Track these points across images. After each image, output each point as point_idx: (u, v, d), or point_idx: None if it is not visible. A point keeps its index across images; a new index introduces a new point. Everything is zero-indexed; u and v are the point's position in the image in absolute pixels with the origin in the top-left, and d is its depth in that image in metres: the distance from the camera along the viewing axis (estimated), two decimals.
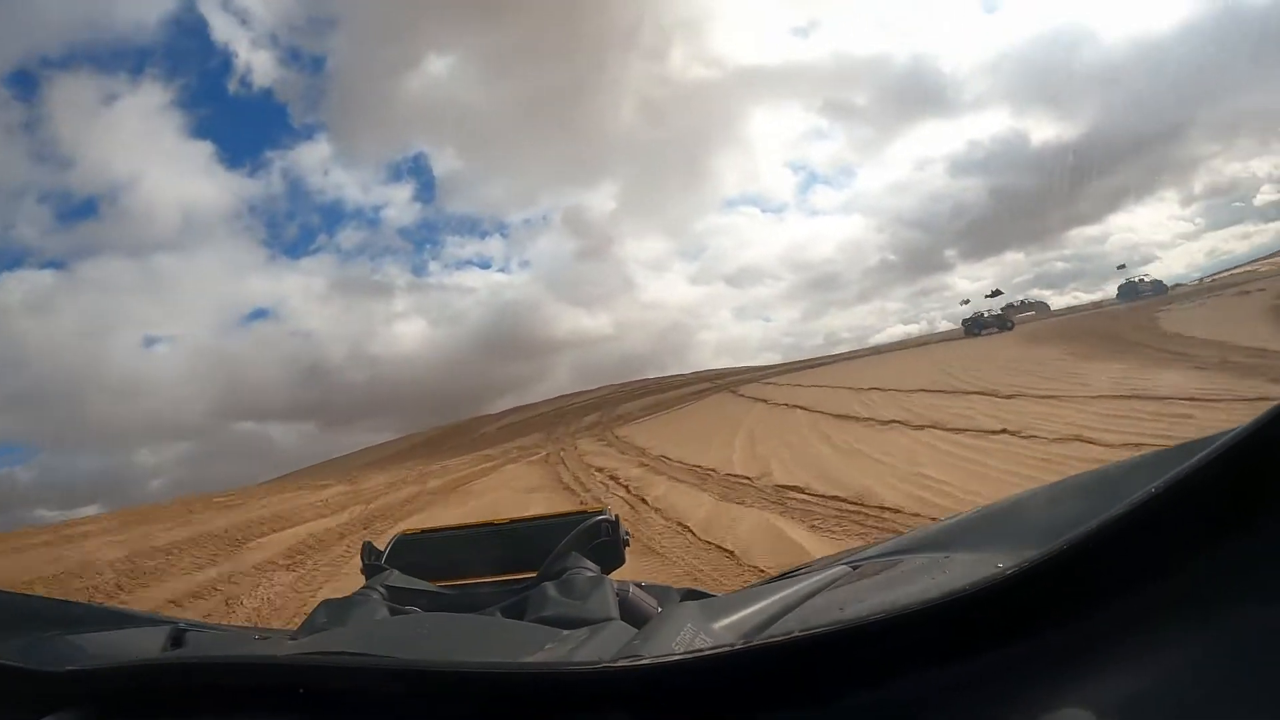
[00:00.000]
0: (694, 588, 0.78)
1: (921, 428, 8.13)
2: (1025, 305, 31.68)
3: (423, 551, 0.92)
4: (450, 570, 0.88)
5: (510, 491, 10.53)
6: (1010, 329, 28.64)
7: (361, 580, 0.80)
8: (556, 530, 0.82)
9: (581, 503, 7.56)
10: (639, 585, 0.72)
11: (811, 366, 37.99)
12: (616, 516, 0.86)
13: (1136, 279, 32.09)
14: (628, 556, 0.83)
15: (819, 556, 0.94)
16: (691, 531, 5.55)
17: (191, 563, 7.07)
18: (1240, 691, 0.28)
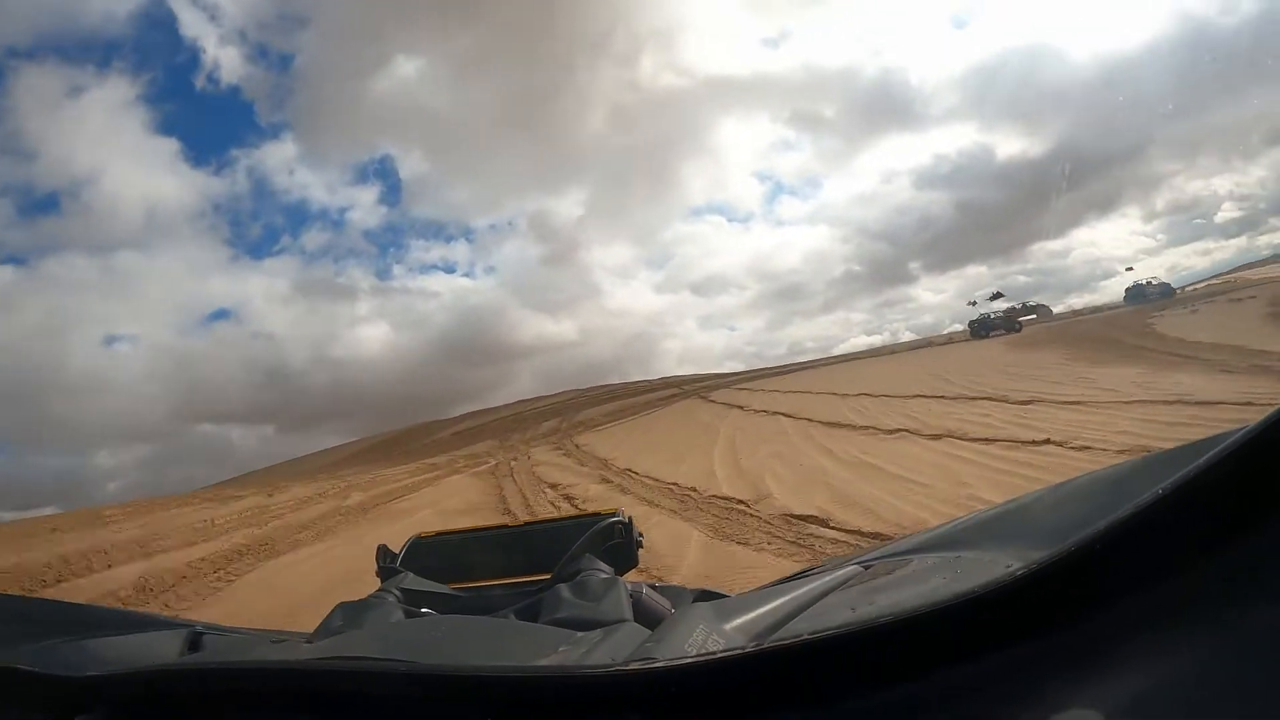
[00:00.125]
0: (706, 588, 0.78)
1: (937, 437, 7.21)
2: (1027, 309, 30.95)
3: (437, 554, 0.93)
4: (464, 573, 0.88)
5: (437, 513, 8.64)
6: (1019, 330, 27.96)
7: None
8: (570, 532, 0.84)
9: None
10: (652, 587, 0.73)
11: (781, 373, 36.86)
12: (630, 518, 0.87)
13: (1144, 281, 31.95)
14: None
15: (831, 557, 0.99)
16: None
17: None
18: (1249, 692, 0.28)
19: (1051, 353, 15.50)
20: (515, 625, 0.62)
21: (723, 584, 3.89)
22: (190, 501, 14.10)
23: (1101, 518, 0.33)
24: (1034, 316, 29.88)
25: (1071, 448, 5.47)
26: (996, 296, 33.57)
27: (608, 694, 0.36)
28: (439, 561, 0.90)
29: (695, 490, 6.79)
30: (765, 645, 0.36)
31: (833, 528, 4.46)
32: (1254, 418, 0.31)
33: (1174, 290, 30.62)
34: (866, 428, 9.10)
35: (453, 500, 9.81)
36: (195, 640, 0.67)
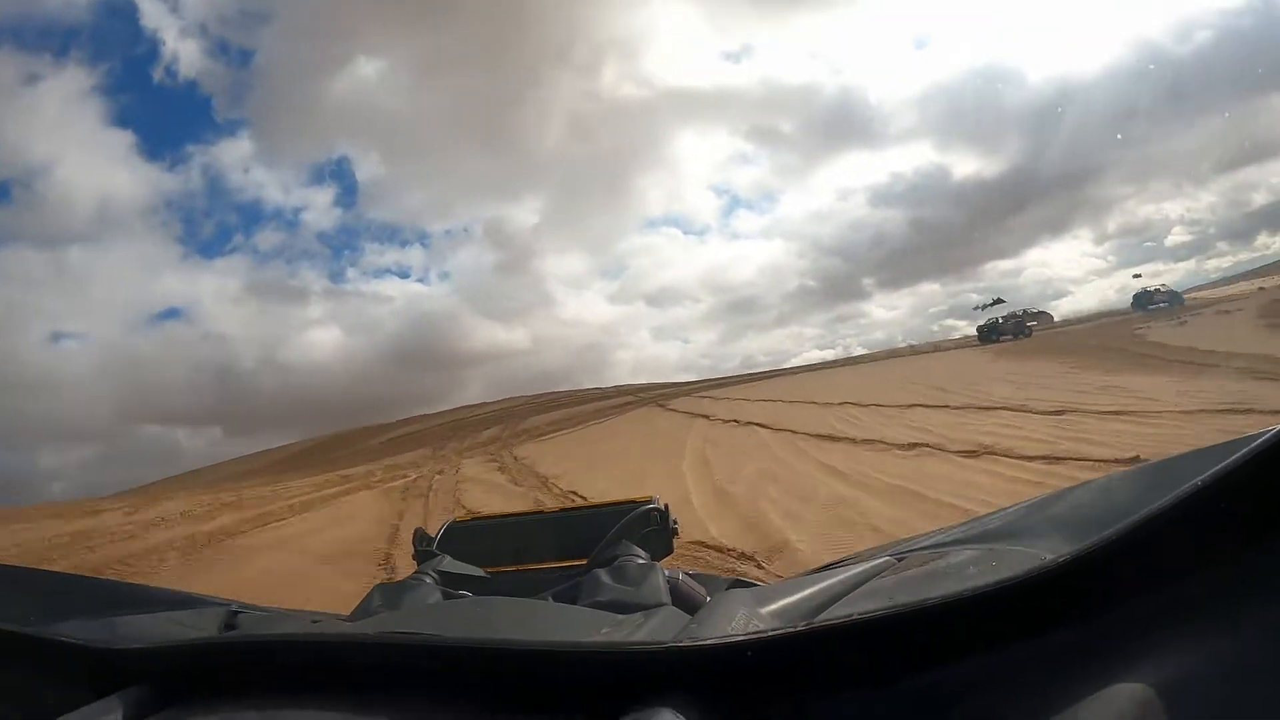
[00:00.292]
0: (741, 577, 0.80)
1: (972, 454, 5.90)
2: (1027, 314, 30.05)
3: (474, 538, 0.94)
4: (501, 557, 0.89)
5: (294, 554, 6.18)
6: (1028, 336, 26.98)
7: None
8: (607, 518, 0.84)
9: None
10: (687, 573, 0.73)
11: (740, 383, 35.22)
12: (666, 505, 0.87)
13: (1153, 289, 31.49)
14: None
15: (864, 549, 0.78)
16: None
17: None
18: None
19: (1045, 362, 14.34)
20: (556, 607, 0.63)
21: None
22: (35, 516, 11.38)
23: (1136, 511, 0.33)
24: (1034, 324, 29.17)
25: None
26: (997, 302, 32.97)
27: (658, 671, 0.36)
28: (475, 545, 0.90)
29: None
30: (815, 624, 0.37)
31: None
32: None
33: (1182, 298, 30.25)
34: (871, 442, 7.64)
35: (329, 534, 7.40)
36: (233, 618, 0.67)
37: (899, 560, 0.58)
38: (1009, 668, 0.34)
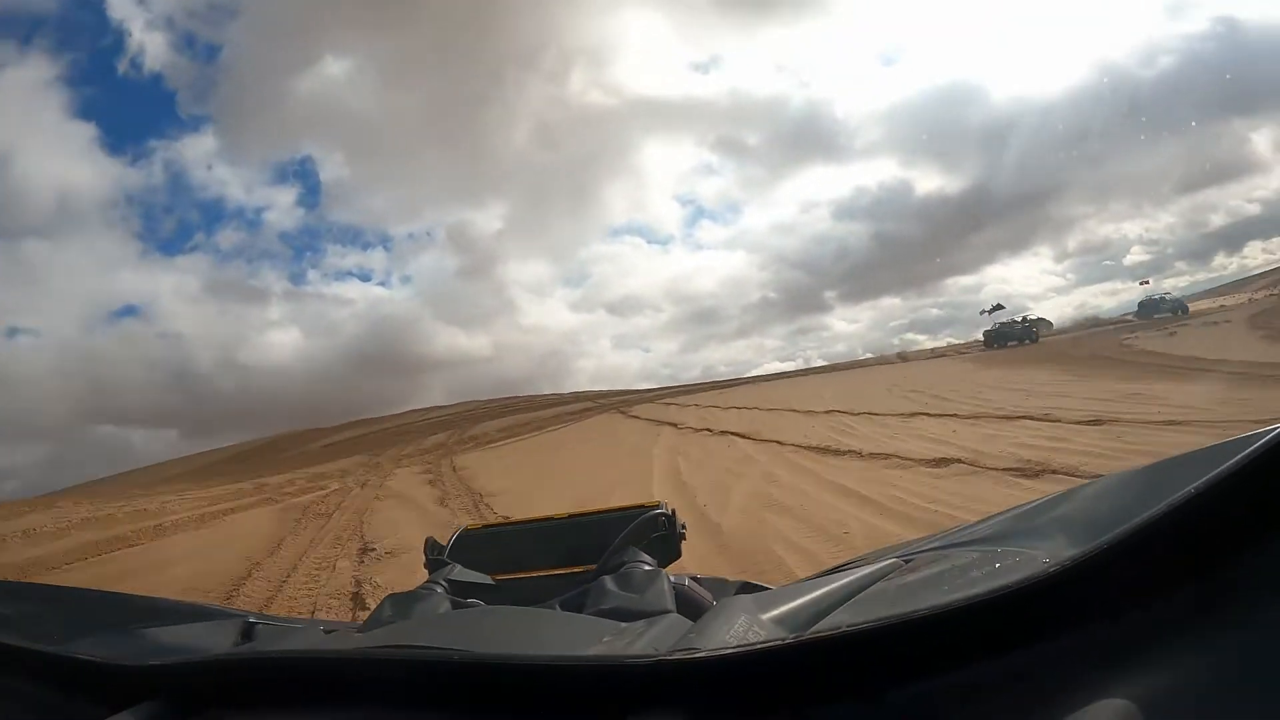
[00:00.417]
0: (750, 581, 0.77)
1: (1034, 474, 4.73)
2: (1027, 321, 29.37)
3: (484, 546, 0.94)
4: (510, 564, 0.89)
5: None
6: (1036, 341, 26.22)
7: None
8: (614, 524, 0.84)
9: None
10: (694, 578, 0.73)
11: (705, 389, 33.74)
12: (673, 510, 0.87)
13: (1158, 296, 31.72)
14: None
15: (871, 550, 0.78)
16: None
17: None
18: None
19: (1038, 371, 13.33)
20: (561, 616, 0.63)
21: None
22: None
23: (1136, 514, 0.33)
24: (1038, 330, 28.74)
25: None
26: (997, 308, 32.32)
27: (651, 683, 0.36)
28: (485, 553, 0.91)
29: None
30: (805, 637, 0.37)
31: None
32: None
33: (1187, 307, 30.16)
34: (884, 457, 6.27)
35: (179, 569, 5.56)
36: (249, 630, 0.69)
37: (905, 562, 0.57)
38: (1007, 675, 0.34)
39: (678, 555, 0.84)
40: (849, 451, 6.84)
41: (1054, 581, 0.34)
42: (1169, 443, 4.93)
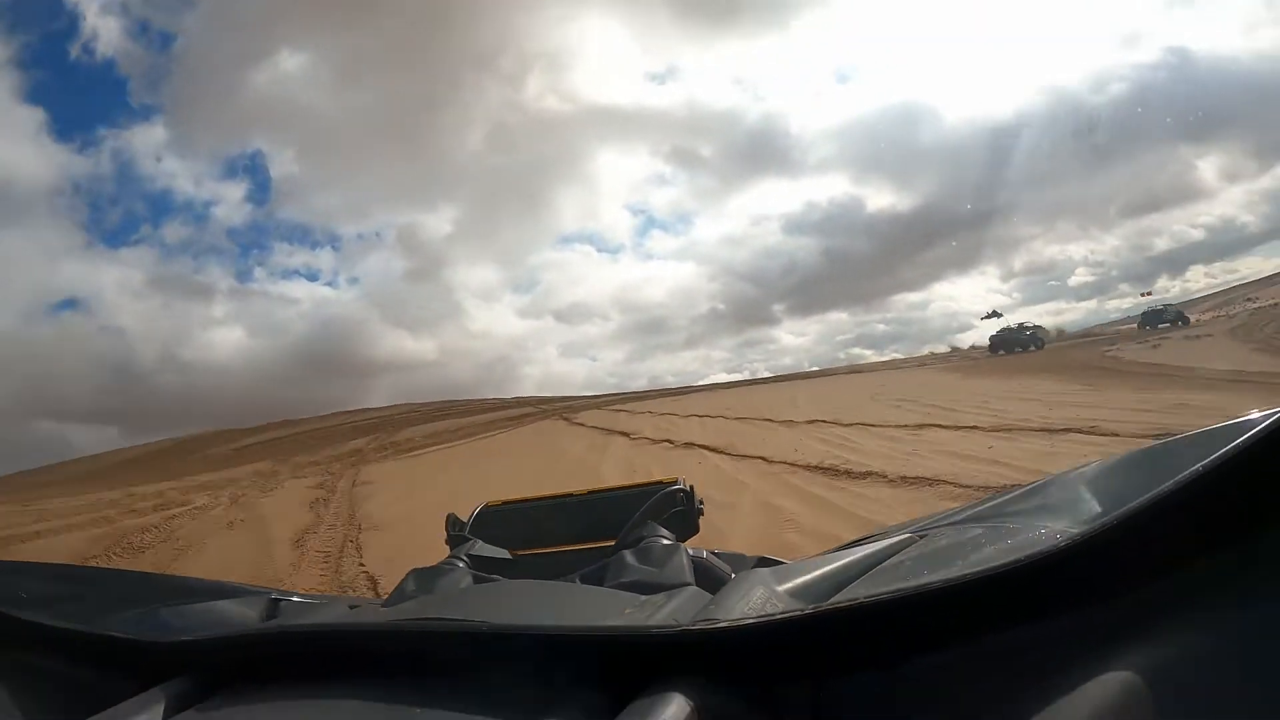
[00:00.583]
0: (766, 555, 0.77)
1: None
2: (1024, 328, 28.69)
3: (504, 522, 0.94)
4: (531, 540, 0.90)
5: None
6: (1041, 348, 25.30)
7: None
8: (633, 500, 0.84)
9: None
10: (713, 553, 0.74)
11: (656, 397, 31.86)
12: (691, 486, 0.87)
13: (1161, 306, 31.44)
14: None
15: (887, 526, 0.76)
16: None
17: None
18: None
19: (1036, 380, 12.08)
20: (582, 589, 0.64)
21: None
22: None
23: (1148, 490, 0.34)
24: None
25: None
26: (993, 315, 31.93)
27: (674, 653, 0.37)
28: (506, 529, 0.91)
29: None
30: (824, 607, 0.37)
31: None
32: None
33: (1188, 319, 29.57)
34: (923, 482, 4.71)
35: None
36: (274, 606, 0.69)
37: (920, 537, 0.57)
38: (1021, 646, 0.34)
39: (696, 531, 0.84)
40: (868, 473, 5.10)
41: (1067, 555, 0.34)
42: None
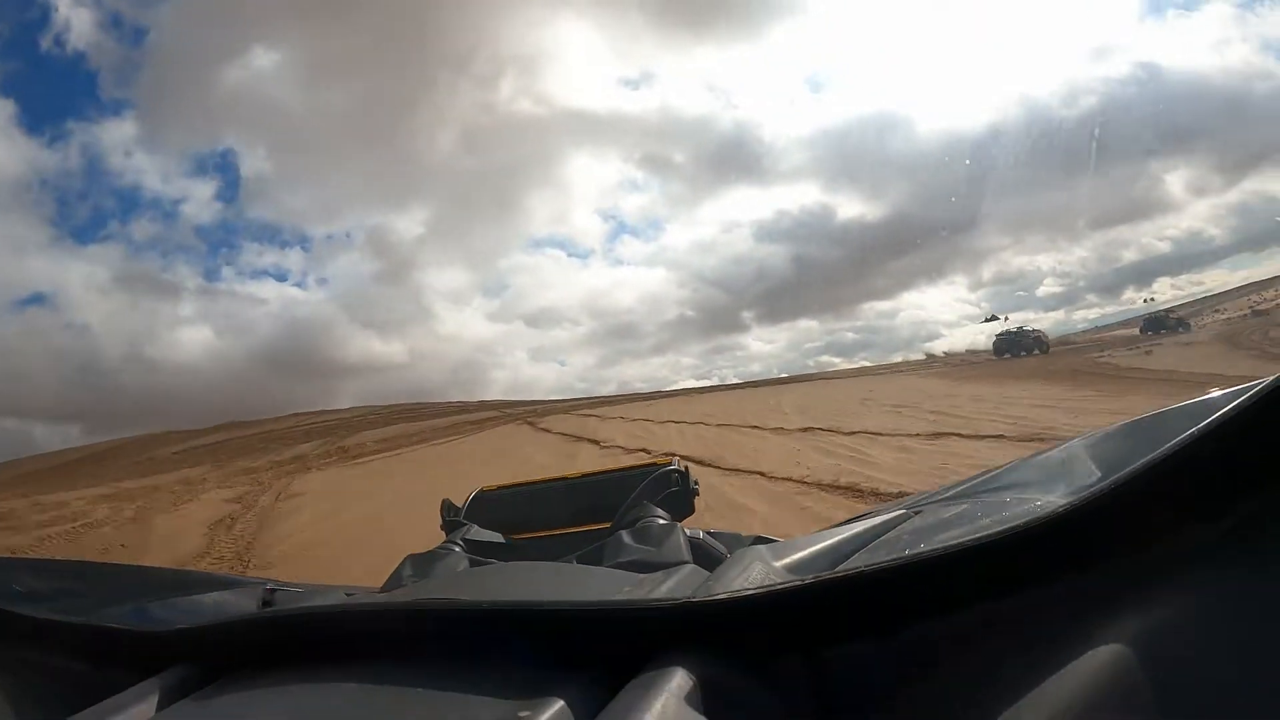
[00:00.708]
0: (762, 534, 0.74)
1: None
2: (1024, 332, 28.33)
3: (499, 506, 0.94)
4: (526, 523, 0.90)
5: None
6: (1047, 352, 24.81)
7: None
8: (628, 482, 0.84)
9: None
10: (709, 533, 0.73)
11: (629, 401, 30.70)
12: (686, 467, 0.87)
13: (1162, 313, 32.28)
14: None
15: (881, 505, 0.77)
16: None
17: None
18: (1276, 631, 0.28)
19: (1041, 387, 11.35)
20: (580, 569, 0.63)
21: None
22: None
23: (1142, 458, 0.34)
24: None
25: None
26: (992, 319, 31.87)
27: (672, 628, 0.37)
28: (501, 513, 0.91)
29: None
30: (822, 577, 0.37)
31: None
32: None
33: (1190, 324, 30.41)
34: None
35: None
36: (270, 595, 0.67)
37: (916, 514, 0.57)
38: (1016, 614, 0.34)
39: (691, 511, 0.84)
40: (902, 494, 4.07)
41: (1059, 523, 0.34)
42: None
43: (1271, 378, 0.31)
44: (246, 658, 0.44)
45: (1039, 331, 27.27)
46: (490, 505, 0.92)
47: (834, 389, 18.96)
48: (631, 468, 0.92)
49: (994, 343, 27.40)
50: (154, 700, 0.42)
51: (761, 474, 5.43)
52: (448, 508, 0.91)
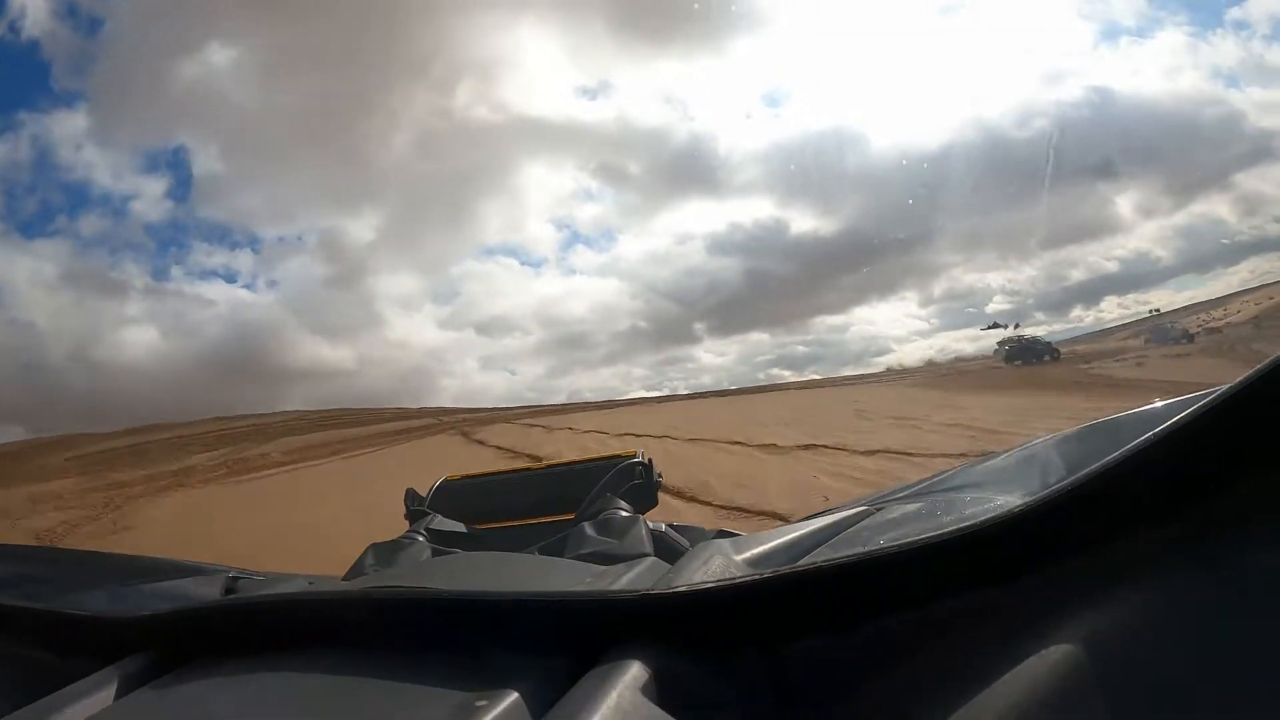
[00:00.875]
0: (725, 529, 0.73)
1: None
2: (1022, 338, 28.36)
3: (464, 496, 0.94)
4: (490, 513, 0.90)
5: None
6: (1058, 358, 24.33)
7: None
8: (592, 474, 0.85)
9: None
10: (671, 526, 0.74)
11: (580, 410, 28.80)
12: (650, 460, 0.87)
13: (1168, 325, 32.71)
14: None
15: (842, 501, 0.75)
16: None
17: None
18: (1238, 628, 0.29)
19: (1042, 397, 9.99)
20: (542, 560, 0.63)
21: None
22: None
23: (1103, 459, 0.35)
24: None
25: None
26: (994, 326, 30.85)
27: (631, 620, 0.37)
28: (465, 503, 0.90)
29: None
30: (781, 571, 0.38)
31: None
32: None
33: (1193, 335, 30.17)
34: None
35: None
36: (233, 583, 0.67)
37: (876, 510, 0.58)
38: (974, 611, 0.34)
39: (654, 503, 0.83)
40: None
41: (1018, 522, 0.35)
42: None
43: (1222, 387, 0.31)
44: (207, 645, 0.44)
45: (1045, 341, 27.00)
46: (455, 495, 0.93)
47: (809, 399, 17.63)
48: (596, 459, 0.92)
49: (1005, 350, 26.61)
50: (112, 689, 0.41)
51: (780, 517, 3.72)
52: (412, 497, 0.91)
